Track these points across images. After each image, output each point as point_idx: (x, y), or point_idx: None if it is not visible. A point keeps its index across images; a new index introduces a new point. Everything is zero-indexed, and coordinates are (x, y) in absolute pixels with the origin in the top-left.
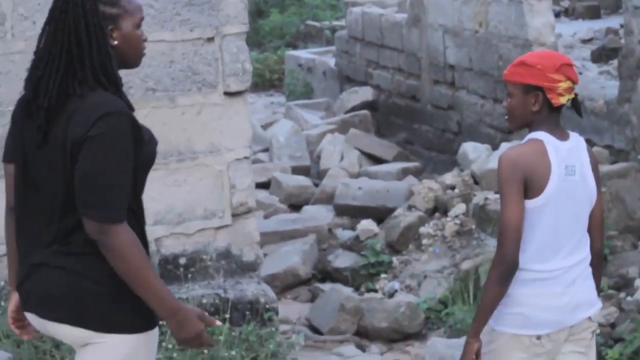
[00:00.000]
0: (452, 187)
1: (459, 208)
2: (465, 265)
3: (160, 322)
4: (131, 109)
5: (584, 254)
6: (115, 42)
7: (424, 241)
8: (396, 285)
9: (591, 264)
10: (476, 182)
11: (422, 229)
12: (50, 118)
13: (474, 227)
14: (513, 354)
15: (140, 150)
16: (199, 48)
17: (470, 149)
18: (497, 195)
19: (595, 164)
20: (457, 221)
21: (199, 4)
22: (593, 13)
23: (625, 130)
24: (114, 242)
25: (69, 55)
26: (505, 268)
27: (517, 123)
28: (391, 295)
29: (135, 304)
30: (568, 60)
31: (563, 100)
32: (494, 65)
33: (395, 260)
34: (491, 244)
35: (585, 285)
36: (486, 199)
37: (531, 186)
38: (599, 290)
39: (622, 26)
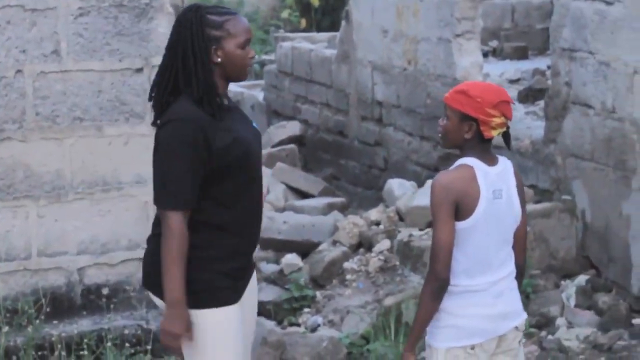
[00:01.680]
0: (377, 223)
1: (384, 244)
2: (388, 301)
3: None
4: (215, 115)
5: (510, 269)
6: (219, 60)
7: (348, 276)
8: (319, 319)
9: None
10: (401, 219)
11: (346, 264)
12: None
13: (397, 263)
14: None
15: (210, 152)
16: (127, 78)
17: (396, 186)
18: (422, 232)
19: (521, 185)
20: (381, 257)
21: (129, 35)
22: (521, 54)
23: (550, 170)
24: (164, 225)
25: (175, 69)
26: (437, 285)
27: (449, 144)
28: (314, 329)
29: (193, 284)
30: (507, 97)
31: (494, 133)
32: (421, 103)
33: (318, 294)
34: (414, 280)
35: (512, 296)
36: (411, 235)
37: (462, 209)
38: None
39: (549, 67)
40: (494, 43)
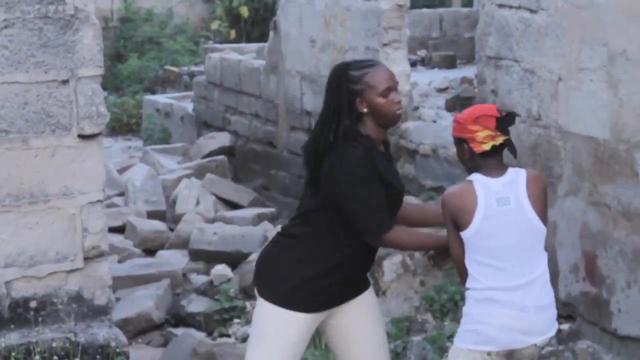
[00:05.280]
0: None
1: None
2: None
3: None
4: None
5: (534, 275)
6: (365, 110)
7: None
8: (249, 330)
9: None
10: None
11: None
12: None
13: None
14: None
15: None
16: (53, 90)
17: None
18: None
19: (535, 192)
20: None
21: (54, 46)
22: (449, 63)
23: None
24: (393, 245)
25: (327, 120)
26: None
27: (466, 169)
28: (244, 340)
29: (282, 281)
30: (488, 111)
31: (486, 147)
32: None
33: (248, 305)
34: None
35: (539, 316)
36: None
37: (459, 221)
38: None
39: (476, 76)
40: (422, 52)
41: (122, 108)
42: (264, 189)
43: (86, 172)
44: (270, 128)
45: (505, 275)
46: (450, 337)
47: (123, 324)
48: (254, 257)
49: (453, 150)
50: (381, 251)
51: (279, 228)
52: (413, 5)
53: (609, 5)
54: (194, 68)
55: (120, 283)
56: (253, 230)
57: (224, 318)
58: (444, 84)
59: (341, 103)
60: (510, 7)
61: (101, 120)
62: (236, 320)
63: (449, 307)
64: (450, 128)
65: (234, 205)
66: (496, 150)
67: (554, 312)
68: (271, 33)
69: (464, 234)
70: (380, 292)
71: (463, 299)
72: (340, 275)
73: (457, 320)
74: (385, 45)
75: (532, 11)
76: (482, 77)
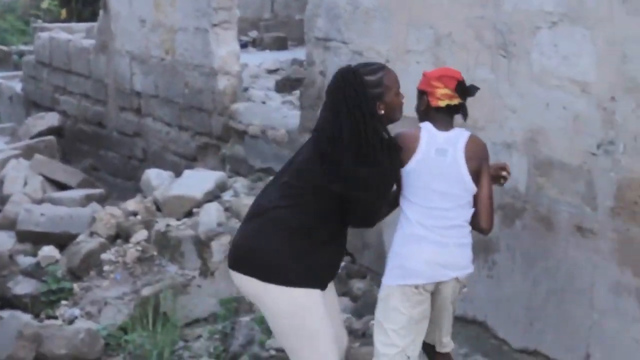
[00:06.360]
0: (135, 214)
1: (141, 234)
2: (146, 291)
3: None
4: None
5: (455, 222)
6: (382, 112)
7: (105, 268)
8: (76, 311)
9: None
10: (159, 209)
11: (104, 256)
12: None
13: (155, 253)
14: (399, 302)
15: None
16: None
17: (154, 176)
18: (179, 222)
19: (471, 152)
20: (139, 247)
21: None
22: (280, 44)
23: None
24: (375, 223)
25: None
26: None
27: (418, 119)
28: (71, 322)
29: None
30: (453, 73)
31: (441, 104)
32: (179, 92)
33: (76, 286)
34: (172, 270)
35: (458, 251)
36: (168, 225)
37: (403, 159)
38: None
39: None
40: (253, 33)
41: None
42: (93, 169)
43: None
44: (99, 108)
45: (430, 215)
46: None
47: None
48: (82, 237)
49: (281, 131)
50: (209, 233)
51: (106, 209)
52: None
53: None
54: (23, 47)
55: None
56: (81, 211)
57: (51, 300)
58: (274, 66)
59: (363, 110)
60: None
61: None
62: (63, 302)
63: None
64: (279, 110)
65: (62, 186)
66: (449, 110)
67: (470, 253)
68: (101, 12)
69: (402, 171)
70: (208, 273)
71: None
72: (326, 254)
73: None
74: (215, 25)
75: None
76: (311, 59)
